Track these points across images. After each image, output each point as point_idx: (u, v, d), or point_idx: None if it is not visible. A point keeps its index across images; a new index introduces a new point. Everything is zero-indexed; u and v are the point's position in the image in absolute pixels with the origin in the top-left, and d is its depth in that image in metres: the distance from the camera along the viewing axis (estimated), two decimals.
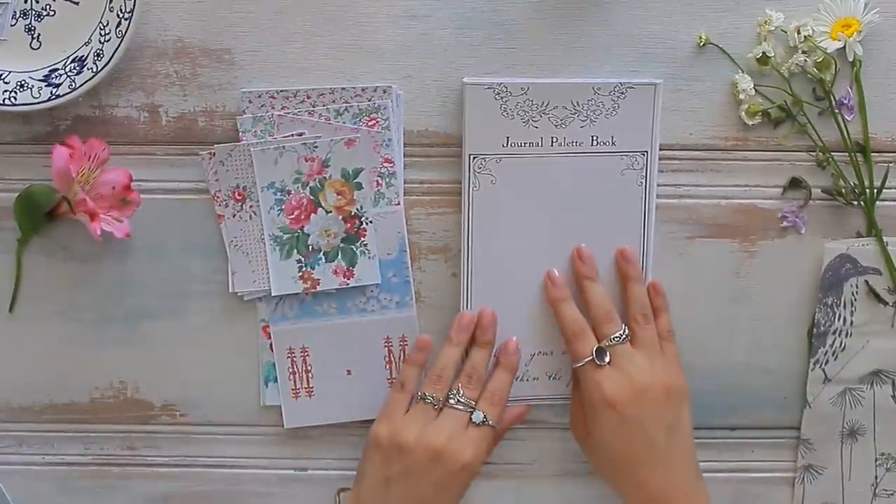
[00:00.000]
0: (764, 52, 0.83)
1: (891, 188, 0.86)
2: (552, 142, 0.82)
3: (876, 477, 0.90)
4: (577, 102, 0.82)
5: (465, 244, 0.83)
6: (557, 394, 0.87)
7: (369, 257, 0.86)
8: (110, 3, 0.81)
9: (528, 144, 0.82)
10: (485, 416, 0.80)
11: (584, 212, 0.83)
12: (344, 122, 0.85)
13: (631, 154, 0.83)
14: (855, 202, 0.86)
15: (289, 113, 0.84)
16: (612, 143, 0.82)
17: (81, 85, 0.81)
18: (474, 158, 0.82)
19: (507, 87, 0.81)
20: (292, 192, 0.85)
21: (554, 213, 0.83)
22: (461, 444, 0.79)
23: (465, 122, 0.82)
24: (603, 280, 0.84)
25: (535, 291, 0.84)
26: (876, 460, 0.90)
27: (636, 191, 0.83)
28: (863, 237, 0.87)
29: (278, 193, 0.85)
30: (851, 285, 0.87)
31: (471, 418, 0.80)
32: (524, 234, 0.83)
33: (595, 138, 0.82)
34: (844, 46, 0.82)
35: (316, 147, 0.85)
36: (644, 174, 0.83)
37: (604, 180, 0.83)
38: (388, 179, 0.86)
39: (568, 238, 0.84)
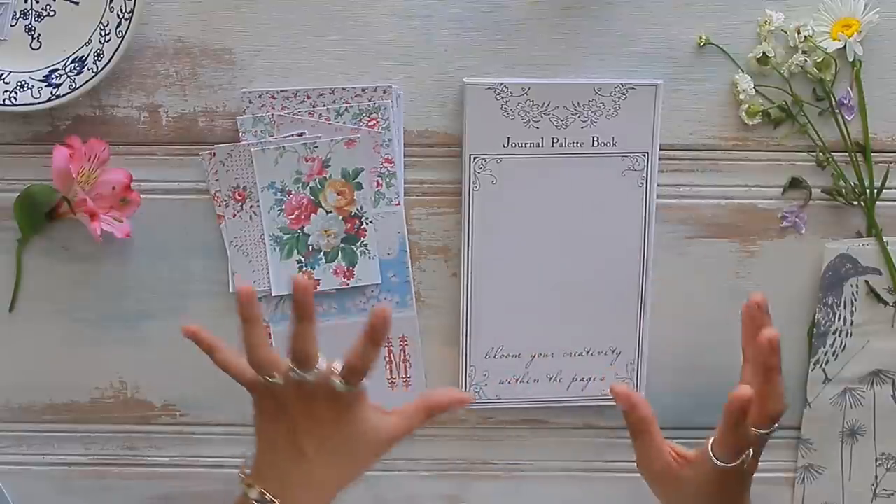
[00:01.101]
0: (764, 52, 0.83)
1: (891, 188, 0.86)
2: (553, 142, 0.82)
3: (876, 477, 0.90)
4: (578, 103, 0.82)
5: (465, 244, 0.83)
6: (558, 396, 0.86)
7: (369, 257, 0.86)
8: (110, 3, 0.81)
9: (528, 145, 0.82)
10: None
11: (585, 212, 0.83)
12: (344, 122, 0.85)
13: (632, 155, 0.82)
14: (855, 202, 0.86)
15: (289, 113, 0.84)
16: (613, 144, 0.82)
17: (81, 85, 0.81)
18: (475, 158, 0.82)
19: (507, 88, 0.81)
20: (292, 192, 0.85)
21: (554, 214, 0.83)
22: None
23: (465, 121, 0.82)
24: (591, 291, 0.84)
25: (536, 292, 0.84)
26: (876, 460, 0.90)
27: (637, 192, 0.83)
28: (863, 237, 0.87)
29: (278, 193, 0.85)
30: (851, 285, 0.87)
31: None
32: (524, 235, 0.83)
33: (596, 139, 0.82)
34: (844, 46, 0.82)
35: (316, 147, 0.85)
36: (645, 175, 0.83)
37: (604, 181, 0.83)
38: (388, 179, 0.86)
39: (568, 238, 0.84)
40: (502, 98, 0.81)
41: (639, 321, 0.85)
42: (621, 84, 0.81)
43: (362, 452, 0.73)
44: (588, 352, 0.85)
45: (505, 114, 0.81)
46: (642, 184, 0.83)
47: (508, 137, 0.82)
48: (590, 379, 0.86)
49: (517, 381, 0.85)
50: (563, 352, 0.85)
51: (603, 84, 0.82)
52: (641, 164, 0.83)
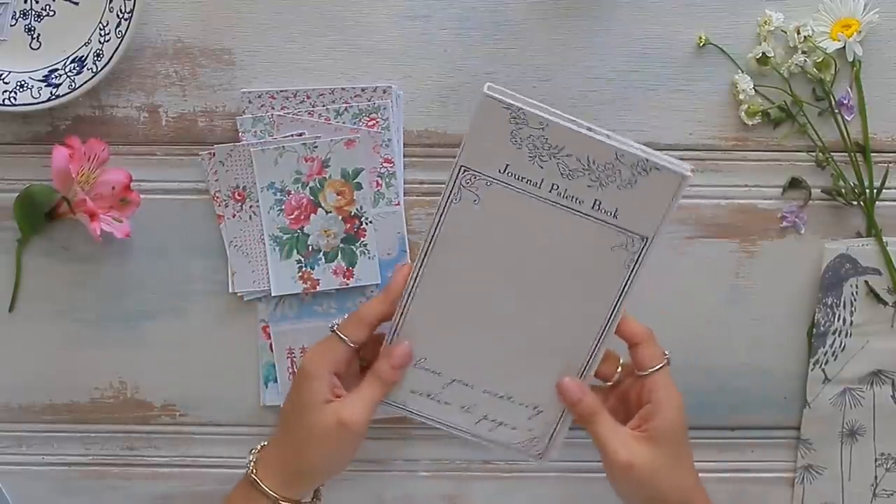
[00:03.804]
0: (764, 53, 0.83)
1: (891, 188, 0.86)
2: (552, 188, 0.74)
3: (876, 477, 0.90)
4: (593, 161, 0.73)
5: (424, 247, 0.76)
6: (463, 426, 0.81)
7: (369, 257, 0.86)
8: (110, 3, 0.81)
9: (525, 181, 0.74)
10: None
11: (558, 269, 0.76)
12: (344, 123, 0.85)
13: (629, 234, 0.74)
14: (855, 202, 0.86)
15: (289, 113, 0.84)
16: (614, 216, 0.74)
17: (81, 85, 0.81)
18: (464, 171, 0.74)
19: (525, 115, 0.72)
20: (292, 192, 0.85)
21: (526, 257, 0.76)
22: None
23: (468, 131, 0.73)
24: (536, 345, 0.78)
25: (480, 322, 0.78)
26: (876, 460, 0.90)
27: (620, 271, 0.75)
28: (863, 237, 0.87)
29: (278, 193, 0.85)
30: (851, 285, 0.87)
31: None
32: (489, 263, 0.76)
33: (598, 203, 0.74)
34: (844, 46, 0.82)
35: (316, 147, 0.85)
36: (635, 259, 0.75)
37: (589, 249, 0.75)
38: (387, 179, 0.86)
39: (531, 286, 0.76)
40: (516, 124, 0.72)
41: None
42: (647, 161, 0.72)
43: (317, 432, 0.76)
44: (510, 398, 0.80)
45: (513, 140, 0.73)
46: (629, 266, 0.75)
47: (507, 165, 0.74)
48: (501, 423, 0.80)
49: (429, 397, 0.80)
50: (485, 388, 0.79)
51: (628, 152, 0.72)
52: (637, 246, 0.74)
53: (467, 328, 0.78)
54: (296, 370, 0.87)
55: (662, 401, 0.76)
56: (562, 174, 0.73)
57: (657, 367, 0.77)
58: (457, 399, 0.80)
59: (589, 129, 0.73)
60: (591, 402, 0.77)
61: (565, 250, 0.75)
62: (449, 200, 0.75)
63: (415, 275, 0.77)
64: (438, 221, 0.76)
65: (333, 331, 0.77)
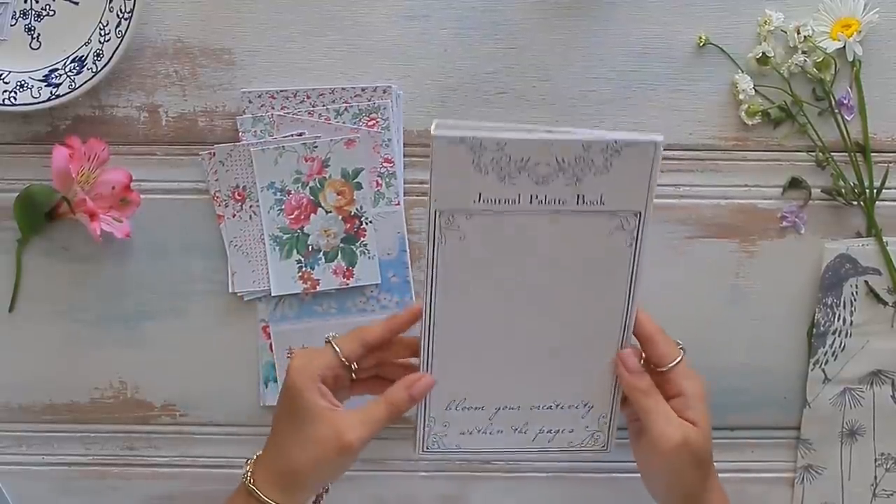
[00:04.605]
0: (764, 52, 0.83)
1: (891, 188, 0.86)
2: (531, 199, 0.72)
3: (875, 477, 0.90)
4: (563, 160, 0.71)
5: (427, 300, 0.74)
6: (522, 446, 0.81)
7: (369, 257, 0.86)
8: (110, 3, 0.81)
9: (503, 201, 0.72)
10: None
11: (564, 270, 0.75)
12: (344, 122, 0.85)
13: (622, 214, 0.73)
14: (855, 202, 0.86)
15: (289, 113, 0.84)
16: (601, 203, 0.72)
17: (81, 85, 0.81)
18: (440, 214, 0.72)
19: (481, 142, 0.69)
20: (292, 192, 0.85)
21: (529, 274, 0.75)
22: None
23: (431, 176, 0.71)
24: (565, 348, 0.78)
25: (505, 347, 0.77)
26: (875, 460, 0.90)
27: (624, 252, 0.74)
28: (863, 237, 0.87)
29: (278, 193, 0.85)
30: (851, 285, 0.87)
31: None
32: (495, 290, 0.75)
33: (581, 197, 0.72)
34: (844, 46, 0.82)
35: (316, 147, 0.85)
36: (635, 235, 0.74)
37: (588, 241, 0.74)
38: (387, 179, 0.86)
39: (543, 296, 0.76)
40: (475, 153, 0.70)
41: (615, 379, 0.79)
42: (615, 142, 0.70)
43: (314, 445, 0.74)
44: (557, 405, 0.80)
45: (478, 168, 0.70)
46: (631, 244, 0.74)
47: (480, 193, 0.71)
48: (558, 431, 0.80)
49: (479, 431, 0.79)
50: (531, 405, 0.79)
51: (593, 141, 0.70)
52: (633, 224, 0.73)
53: (495, 356, 0.77)
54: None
55: (690, 391, 0.77)
56: (536, 183, 0.71)
57: (678, 361, 0.77)
58: (507, 424, 0.79)
59: (548, 131, 0.71)
60: (647, 377, 0.77)
61: (565, 251, 0.74)
62: (435, 246, 0.73)
63: (428, 324, 0.75)
64: (433, 269, 0.74)
65: (328, 340, 0.77)
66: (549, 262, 0.74)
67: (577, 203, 0.72)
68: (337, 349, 0.76)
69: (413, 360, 0.78)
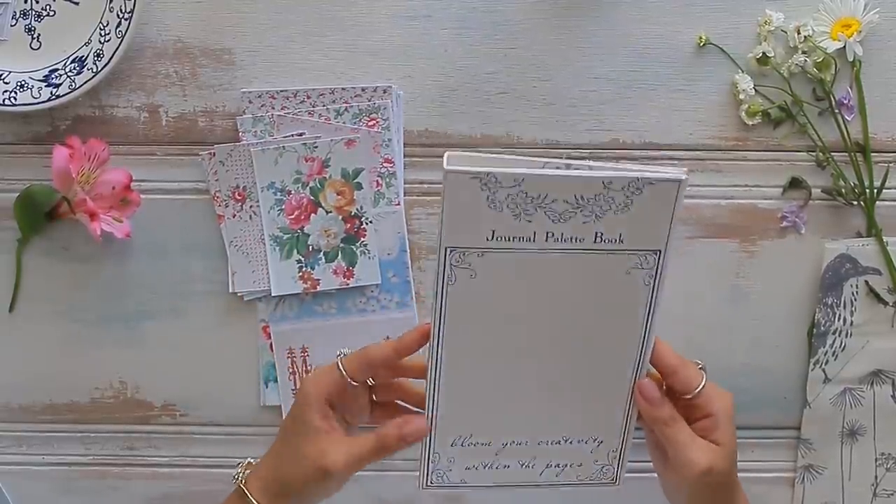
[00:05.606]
0: (764, 52, 0.83)
1: (891, 188, 0.86)
2: (547, 237, 0.68)
3: (876, 477, 0.90)
4: (582, 197, 0.67)
5: (433, 340, 0.71)
6: (529, 480, 0.79)
7: (369, 257, 0.86)
8: (110, 3, 0.81)
9: (518, 239, 0.68)
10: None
11: (576, 309, 0.72)
12: (344, 123, 0.85)
13: (641, 252, 0.70)
14: (855, 202, 0.86)
15: (289, 113, 0.84)
16: (620, 241, 0.69)
17: (81, 85, 0.81)
18: (451, 252, 0.68)
19: (496, 178, 0.65)
20: (292, 192, 0.85)
21: (541, 310, 0.72)
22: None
23: (443, 212, 0.67)
24: (575, 384, 0.75)
25: (513, 383, 0.74)
26: (876, 460, 0.90)
27: (642, 290, 0.71)
28: (863, 237, 0.87)
29: (278, 193, 0.85)
30: (851, 285, 0.87)
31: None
32: (504, 331, 0.72)
33: (599, 235, 0.69)
34: (844, 46, 0.82)
35: (316, 147, 0.85)
36: (653, 273, 0.71)
37: (604, 279, 0.71)
38: (388, 179, 0.86)
39: (558, 336, 0.73)
40: (489, 189, 0.66)
41: (626, 413, 0.77)
42: (638, 179, 0.67)
43: (303, 462, 0.73)
44: (566, 440, 0.77)
45: (491, 205, 0.67)
46: (649, 283, 0.71)
47: (494, 231, 0.68)
48: (566, 465, 0.78)
49: (485, 466, 0.77)
50: (539, 440, 0.77)
51: (615, 178, 0.67)
52: (651, 262, 0.70)
53: (503, 392, 0.75)
54: (296, 370, 0.87)
55: (720, 412, 0.75)
56: (553, 221, 0.68)
57: (702, 385, 0.75)
58: (514, 459, 0.77)
59: (567, 165, 0.68)
60: (668, 405, 0.75)
61: (580, 290, 0.71)
62: (445, 283, 0.70)
63: (435, 361, 0.72)
64: (441, 306, 0.71)
65: (338, 358, 0.75)
66: (562, 298, 0.72)
67: (595, 241, 0.69)
68: (342, 369, 0.74)
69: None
